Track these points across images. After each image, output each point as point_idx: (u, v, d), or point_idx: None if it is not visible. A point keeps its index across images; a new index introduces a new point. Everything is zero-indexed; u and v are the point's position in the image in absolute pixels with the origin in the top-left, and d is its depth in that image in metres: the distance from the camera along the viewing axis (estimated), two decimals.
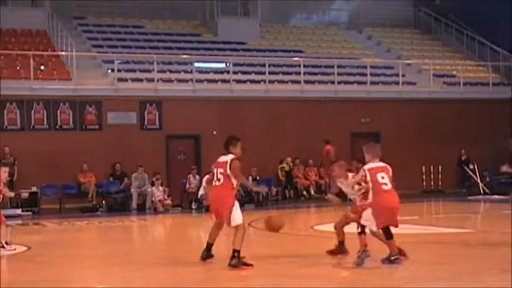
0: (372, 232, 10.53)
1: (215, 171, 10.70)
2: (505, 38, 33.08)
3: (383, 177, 10.48)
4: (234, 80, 28.49)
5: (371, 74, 30.53)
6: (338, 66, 30.23)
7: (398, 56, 33.83)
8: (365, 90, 29.81)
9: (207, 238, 10.87)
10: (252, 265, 10.28)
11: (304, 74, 29.49)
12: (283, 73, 29.97)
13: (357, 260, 10.25)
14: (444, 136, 29.35)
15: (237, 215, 10.44)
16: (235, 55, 30.50)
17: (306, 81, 29.43)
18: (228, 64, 29.78)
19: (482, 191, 27.55)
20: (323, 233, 15.18)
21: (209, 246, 10.86)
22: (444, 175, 29.35)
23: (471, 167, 28.47)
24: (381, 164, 10.75)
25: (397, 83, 30.72)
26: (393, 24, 37.21)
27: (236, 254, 10.25)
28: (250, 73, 29.61)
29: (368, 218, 10.43)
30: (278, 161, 27.44)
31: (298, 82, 29.28)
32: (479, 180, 27.98)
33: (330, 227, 16.09)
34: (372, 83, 30.27)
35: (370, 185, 10.57)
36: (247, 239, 10.64)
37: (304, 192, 27.45)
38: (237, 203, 10.55)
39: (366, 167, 10.69)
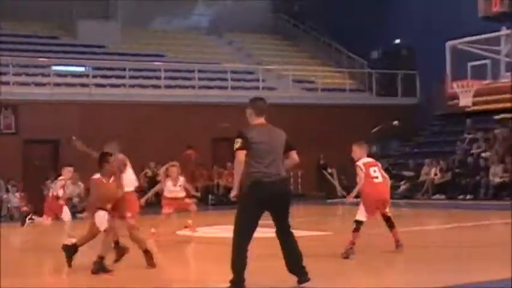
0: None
1: None
2: (360, 46, 34.11)
3: (374, 171, 11.75)
4: (93, 84, 28.03)
5: (232, 79, 30.74)
6: (199, 71, 30.30)
7: (259, 61, 34.24)
8: (225, 95, 29.97)
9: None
10: (111, 270, 10.22)
11: (165, 78, 29.38)
12: (144, 77, 29.73)
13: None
14: (304, 141, 29.69)
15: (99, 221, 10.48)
16: (95, 59, 30.03)
17: (167, 86, 29.31)
18: (87, 68, 29.26)
19: (340, 195, 28.22)
20: (186, 237, 15.14)
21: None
22: (304, 179, 29.79)
23: (329, 170, 29.13)
24: (370, 159, 12.07)
25: (257, 88, 31.05)
26: (253, 30, 37.60)
27: (99, 259, 10.25)
28: (110, 77, 29.21)
29: (361, 212, 11.62)
30: (140, 166, 27.17)
31: (159, 87, 29.12)
32: (337, 184, 28.65)
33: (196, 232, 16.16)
34: (233, 88, 30.47)
35: (362, 179, 11.65)
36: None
37: None
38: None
39: (360, 162, 11.84)
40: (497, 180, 24.53)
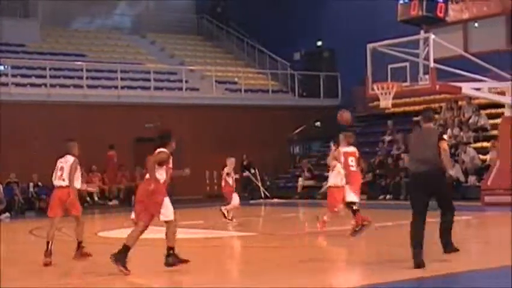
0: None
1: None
2: (283, 47, 34.37)
3: (352, 160, 13.55)
4: (13, 84, 27.50)
5: (155, 80, 30.61)
6: (122, 71, 30.07)
7: (181, 62, 34.16)
8: (148, 95, 29.83)
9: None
10: (188, 260, 9.87)
11: (87, 78, 29.06)
12: (65, 77, 29.34)
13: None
14: (227, 141, 29.84)
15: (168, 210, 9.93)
16: (15, 57, 29.47)
17: (89, 86, 29.00)
18: (6, 67, 28.69)
19: (263, 195, 28.38)
20: (108, 239, 15.00)
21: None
22: None
23: (252, 171, 29.24)
24: (352, 148, 13.76)
25: (180, 89, 31.00)
26: (176, 31, 37.52)
27: (171, 251, 9.85)
28: (30, 76, 28.72)
29: (349, 194, 13.43)
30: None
31: (81, 86, 28.76)
32: (260, 185, 28.80)
33: (115, 234, 16.03)
34: (156, 88, 30.35)
35: (342, 165, 13.59)
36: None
37: (88, 198, 26.90)
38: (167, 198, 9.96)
39: (342, 149, 13.70)
40: None
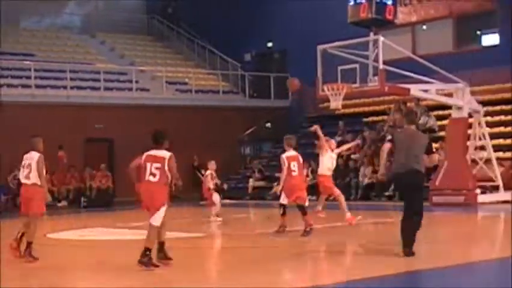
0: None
1: (148, 165, 10.27)
2: (234, 48, 34.43)
3: (294, 165, 13.83)
4: None
5: (105, 80, 30.41)
6: (71, 71, 29.82)
7: (132, 62, 33.98)
8: (98, 95, 29.61)
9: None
10: (159, 265, 10.08)
11: (35, 78, 28.72)
12: (13, 77, 28.97)
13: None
14: (177, 142, 29.50)
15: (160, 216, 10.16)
16: None
17: (38, 86, 28.68)
18: None
19: None
20: (58, 241, 14.88)
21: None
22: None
23: (203, 172, 29.15)
24: (294, 152, 14.06)
25: (131, 89, 30.84)
26: (127, 31, 37.32)
27: (148, 252, 9.98)
28: None
29: (282, 196, 14.05)
30: (9, 168, 26.46)
31: (29, 86, 28.43)
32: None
33: (64, 235, 15.91)
34: (105, 88, 30.15)
35: (285, 170, 13.83)
36: None
37: None
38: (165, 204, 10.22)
39: (284, 155, 14.02)
40: (366, 181, 25.25)
